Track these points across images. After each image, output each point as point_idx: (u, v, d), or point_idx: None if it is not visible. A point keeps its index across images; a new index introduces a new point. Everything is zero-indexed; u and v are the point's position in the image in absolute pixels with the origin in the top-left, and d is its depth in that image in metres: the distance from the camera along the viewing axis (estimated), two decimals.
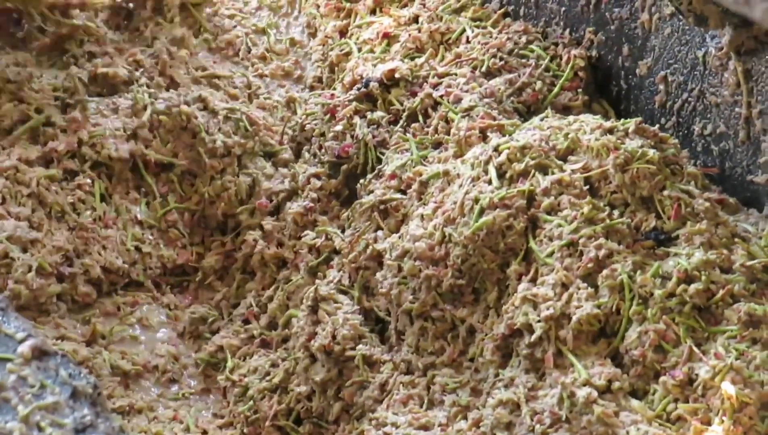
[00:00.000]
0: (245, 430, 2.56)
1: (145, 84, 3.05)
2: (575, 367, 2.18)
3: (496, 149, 2.50)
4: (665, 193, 2.38)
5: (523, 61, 2.93)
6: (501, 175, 2.46)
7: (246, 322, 2.75)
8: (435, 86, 2.88)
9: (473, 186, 2.46)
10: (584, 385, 2.14)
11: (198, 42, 3.33)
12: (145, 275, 2.82)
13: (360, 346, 2.47)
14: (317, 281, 2.66)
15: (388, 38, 3.12)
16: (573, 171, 2.43)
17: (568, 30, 2.97)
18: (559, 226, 2.35)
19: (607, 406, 2.11)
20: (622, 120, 2.58)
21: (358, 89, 2.93)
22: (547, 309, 2.24)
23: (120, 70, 3.04)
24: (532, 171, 2.45)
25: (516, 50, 2.96)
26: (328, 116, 2.94)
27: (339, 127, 2.90)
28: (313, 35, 3.40)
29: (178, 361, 2.71)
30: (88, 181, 2.84)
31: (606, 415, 2.09)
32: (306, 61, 3.37)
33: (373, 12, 3.26)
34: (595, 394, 2.12)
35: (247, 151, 2.96)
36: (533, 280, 2.34)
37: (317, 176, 2.89)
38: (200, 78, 3.16)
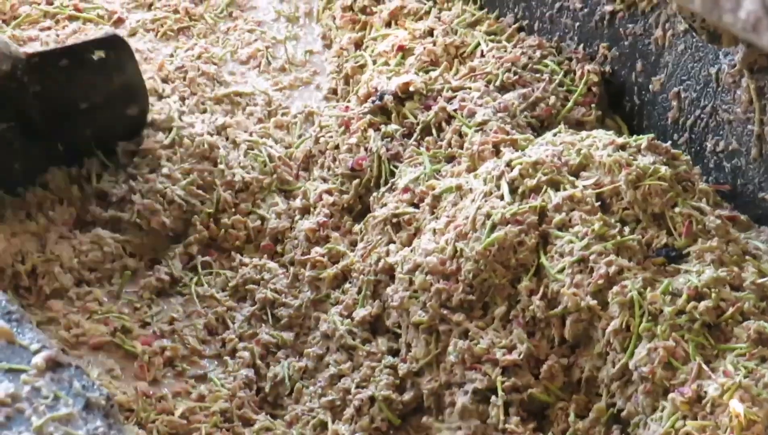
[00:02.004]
0: None
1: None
2: None
3: (508, 164, 2.52)
4: (677, 209, 2.39)
5: (537, 75, 2.94)
6: (513, 191, 2.47)
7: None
8: (449, 100, 2.88)
9: (485, 201, 2.47)
10: None
11: (222, 55, 3.37)
12: None
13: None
14: (332, 310, 2.65)
15: (403, 51, 3.12)
16: (585, 187, 2.44)
17: (582, 45, 2.98)
18: (571, 242, 2.36)
19: None
20: (635, 136, 2.59)
21: (373, 102, 2.93)
22: None
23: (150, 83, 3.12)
24: (544, 187, 2.46)
25: (530, 65, 2.97)
26: (342, 129, 2.95)
27: (353, 140, 2.90)
28: (328, 47, 3.42)
29: None
30: None
31: None
32: (323, 71, 3.39)
33: (388, 24, 3.27)
34: None
35: (263, 188, 2.96)
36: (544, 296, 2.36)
37: (329, 192, 2.89)
38: (222, 97, 3.20)
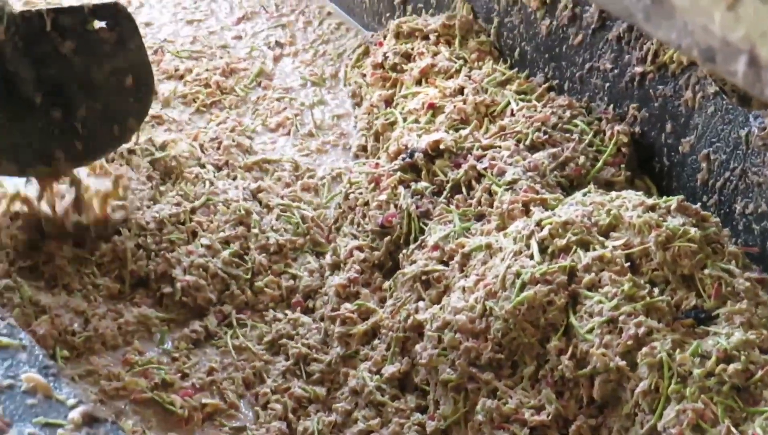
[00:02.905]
0: None
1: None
2: None
3: (538, 224, 2.52)
4: (706, 271, 2.40)
5: (567, 135, 2.95)
6: (543, 250, 2.47)
7: None
8: (479, 158, 2.89)
9: (515, 260, 2.48)
10: None
11: (253, 127, 3.41)
12: None
13: None
14: (361, 366, 2.64)
15: (434, 109, 3.14)
16: (614, 248, 2.44)
17: (612, 106, 2.99)
18: (600, 302, 2.36)
19: None
20: (665, 197, 2.61)
21: (403, 159, 2.94)
22: None
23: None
24: (574, 247, 2.46)
25: (560, 124, 2.98)
26: (372, 185, 2.96)
27: (383, 197, 2.90)
28: (358, 105, 3.45)
29: None
30: None
31: None
32: (351, 132, 3.42)
33: (418, 82, 3.29)
34: None
35: (296, 248, 2.98)
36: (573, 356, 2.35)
37: (360, 248, 2.89)
38: (252, 164, 3.24)
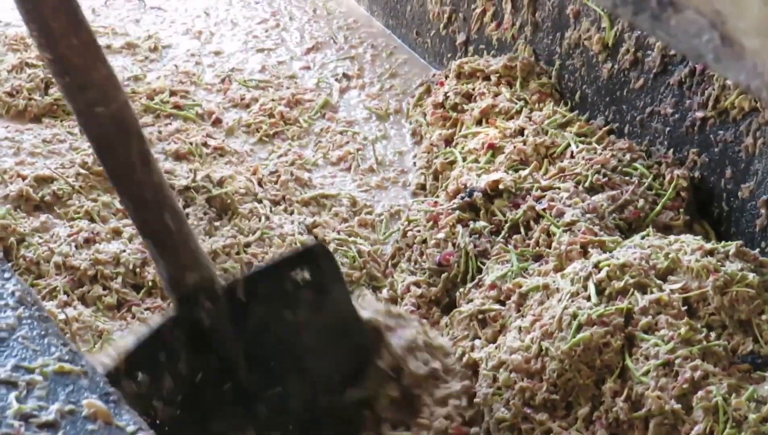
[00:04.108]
0: None
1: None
2: None
3: (596, 266, 2.52)
4: (763, 317, 2.38)
5: (626, 178, 2.95)
6: (600, 292, 2.46)
7: None
8: (538, 199, 2.89)
9: (572, 301, 2.47)
10: None
11: (314, 160, 3.44)
12: None
13: None
14: None
15: (493, 149, 3.15)
16: (672, 291, 2.43)
17: (671, 150, 2.99)
18: (656, 345, 2.35)
19: None
20: (723, 242, 2.59)
21: (462, 198, 2.95)
22: None
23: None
24: (631, 289, 2.45)
25: (619, 167, 2.98)
26: (430, 223, 2.96)
27: (441, 235, 2.91)
28: (418, 143, 3.47)
29: None
30: None
31: None
32: (411, 169, 3.43)
33: (479, 122, 3.30)
34: None
35: (353, 282, 2.98)
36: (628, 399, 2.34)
37: (417, 284, 2.89)
38: (310, 199, 3.26)
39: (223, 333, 2.27)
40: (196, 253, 2.20)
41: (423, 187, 3.31)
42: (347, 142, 3.53)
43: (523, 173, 2.99)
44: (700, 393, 2.26)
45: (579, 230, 2.76)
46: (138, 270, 2.88)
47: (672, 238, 2.62)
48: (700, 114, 2.89)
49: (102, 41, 3.57)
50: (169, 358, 2.24)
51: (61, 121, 3.44)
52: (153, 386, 2.21)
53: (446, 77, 3.50)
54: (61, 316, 2.69)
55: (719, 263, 2.46)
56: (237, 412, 2.31)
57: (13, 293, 1.85)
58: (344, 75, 3.78)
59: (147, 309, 2.80)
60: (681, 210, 2.88)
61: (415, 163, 3.43)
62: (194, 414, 2.27)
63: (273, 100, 3.64)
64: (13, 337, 1.75)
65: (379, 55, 3.86)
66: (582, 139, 3.12)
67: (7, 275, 1.88)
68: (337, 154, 3.48)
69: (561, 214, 2.83)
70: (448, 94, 3.42)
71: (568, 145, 3.09)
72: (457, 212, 2.93)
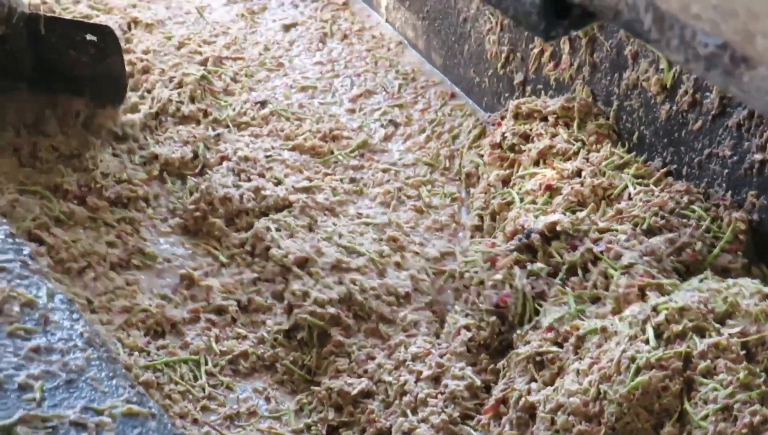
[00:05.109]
0: None
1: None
2: None
3: (654, 309, 2.52)
4: None
5: (684, 220, 2.95)
6: (658, 336, 2.47)
7: None
8: (596, 241, 2.91)
9: (630, 344, 2.48)
10: None
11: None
12: None
13: None
14: None
15: (551, 190, 3.17)
16: (730, 335, 2.43)
17: (730, 192, 2.99)
18: (715, 389, 2.35)
19: None
20: None
21: (519, 240, 2.97)
22: None
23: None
24: (690, 333, 2.45)
25: (677, 209, 2.99)
26: (488, 265, 2.98)
27: (498, 276, 2.93)
28: (473, 185, 3.49)
29: None
30: None
31: None
32: (461, 213, 3.45)
33: (536, 163, 3.31)
34: None
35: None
36: None
37: (467, 328, 2.90)
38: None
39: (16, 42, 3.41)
40: None
41: (479, 228, 3.32)
42: (388, 181, 3.55)
43: (580, 215, 3.01)
44: None
45: (637, 273, 2.77)
46: None
47: (730, 281, 2.62)
48: (758, 156, 2.89)
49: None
50: None
51: None
52: None
53: (503, 118, 3.52)
54: None
55: None
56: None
57: (81, 335, 1.92)
58: (391, 121, 3.80)
59: None
60: (739, 253, 2.88)
61: (468, 206, 3.45)
62: None
63: (310, 131, 3.67)
64: (82, 379, 1.81)
65: (430, 105, 3.86)
66: (639, 180, 3.12)
67: (75, 316, 1.95)
68: (377, 190, 3.51)
69: (618, 257, 2.84)
70: (505, 135, 3.44)
71: (626, 186, 3.10)
72: (515, 254, 2.95)
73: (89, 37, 3.44)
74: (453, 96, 3.91)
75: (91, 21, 3.80)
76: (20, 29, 3.40)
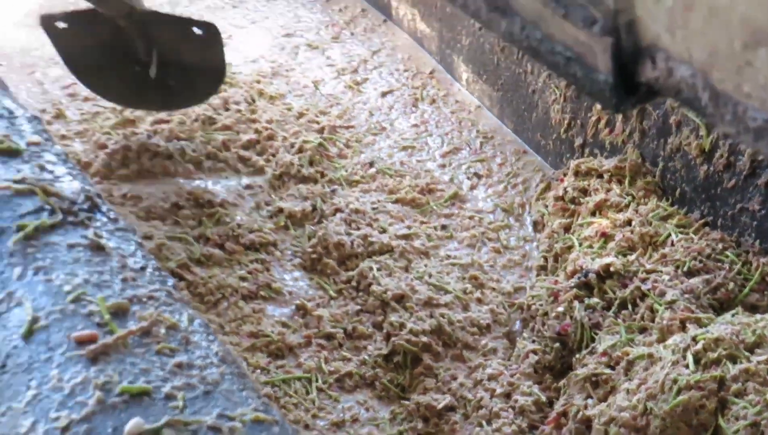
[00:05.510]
0: None
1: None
2: None
3: (693, 339, 2.49)
4: None
5: (719, 264, 2.92)
6: (697, 361, 2.44)
7: None
8: (643, 280, 2.88)
9: (673, 368, 2.45)
10: None
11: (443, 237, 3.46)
12: None
13: None
14: None
15: (605, 237, 3.14)
16: (759, 362, 2.40)
17: (758, 240, 2.95)
18: (745, 408, 2.32)
19: None
20: None
21: (578, 278, 2.95)
22: None
23: None
24: (724, 360, 2.42)
25: (713, 255, 2.95)
26: (551, 299, 2.97)
27: (560, 309, 2.91)
28: (539, 230, 3.46)
29: None
30: None
31: None
32: (531, 253, 3.43)
33: (593, 214, 3.29)
34: None
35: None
36: None
37: (535, 352, 2.90)
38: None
39: (131, 32, 3.38)
40: None
41: (544, 268, 3.30)
42: (473, 226, 3.53)
43: (630, 258, 2.98)
44: None
45: (678, 308, 2.75)
46: None
47: (758, 316, 2.58)
48: None
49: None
50: (92, 28, 3.40)
51: None
52: (74, 36, 3.38)
53: (565, 175, 3.51)
54: None
55: None
56: (127, 80, 3.53)
57: (216, 353, 1.87)
58: (475, 174, 3.79)
59: None
60: (766, 293, 2.84)
61: (537, 248, 3.43)
62: (98, 71, 3.50)
63: (410, 186, 3.66)
64: (217, 390, 1.78)
65: (506, 160, 3.86)
66: (681, 229, 3.10)
67: (211, 338, 1.91)
68: (464, 234, 3.49)
69: (663, 294, 2.82)
70: (567, 189, 3.43)
71: (669, 234, 3.07)
72: (575, 290, 2.93)
73: (195, 30, 3.40)
74: (525, 152, 3.88)
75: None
76: (136, 23, 3.39)
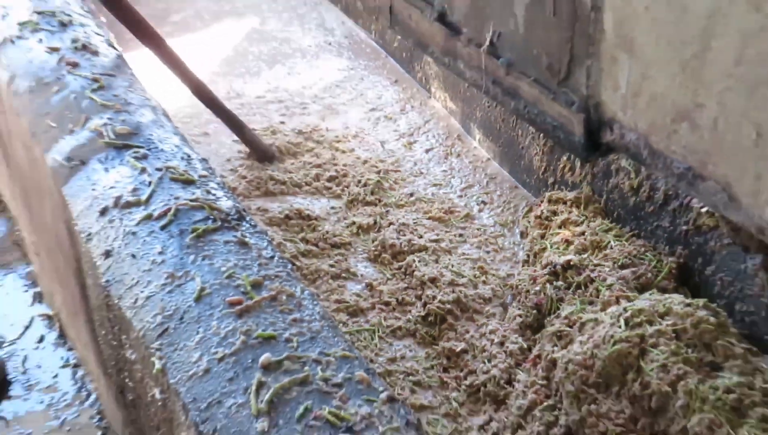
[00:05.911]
0: None
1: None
2: None
3: (624, 309, 2.45)
4: (719, 342, 2.27)
5: (642, 261, 2.84)
6: (626, 324, 2.40)
7: None
8: (592, 271, 2.84)
9: (610, 328, 2.41)
10: None
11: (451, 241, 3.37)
12: None
13: None
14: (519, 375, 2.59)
15: (568, 242, 3.08)
16: (667, 325, 2.35)
17: (667, 247, 2.87)
18: (657, 355, 2.26)
19: None
20: (696, 299, 2.47)
21: (550, 269, 2.92)
22: None
23: None
24: (644, 323, 2.38)
25: (638, 255, 2.86)
26: (531, 281, 2.94)
27: (537, 288, 2.88)
28: (525, 238, 3.40)
29: None
30: None
31: None
32: (519, 252, 3.37)
33: (560, 227, 3.23)
34: None
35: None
36: (642, 385, 2.25)
37: (520, 316, 2.87)
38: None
39: None
40: None
41: (527, 262, 3.24)
42: (480, 235, 3.47)
43: (584, 256, 2.94)
44: (681, 383, 2.20)
45: (614, 289, 2.72)
46: None
47: (666, 295, 2.54)
48: (684, 227, 2.82)
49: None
50: None
51: None
52: None
53: (542, 202, 3.45)
54: None
55: (693, 310, 2.38)
56: None
57: (318, 312, 1.84)
58: (482, 202, 3.73)
59: None
60: (672, 280, 2.80)
61: (523, 249, 3.37)
62: None
63: (438, 208, 3.60)
64: (318, 337, 1.76)
65: (503, 192, 3.80)
66: (617, 238, 3.05)
67: (315, 303, 1.88)
68: (474, 240, 3.43)
69: (605, 280, 2.78)
70: (543, 211, 3.37)
71: (609, 241, 3.03)
72: (547, 276, 2.90)
73: None
74: (516, 187, 3.82)
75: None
76: None
